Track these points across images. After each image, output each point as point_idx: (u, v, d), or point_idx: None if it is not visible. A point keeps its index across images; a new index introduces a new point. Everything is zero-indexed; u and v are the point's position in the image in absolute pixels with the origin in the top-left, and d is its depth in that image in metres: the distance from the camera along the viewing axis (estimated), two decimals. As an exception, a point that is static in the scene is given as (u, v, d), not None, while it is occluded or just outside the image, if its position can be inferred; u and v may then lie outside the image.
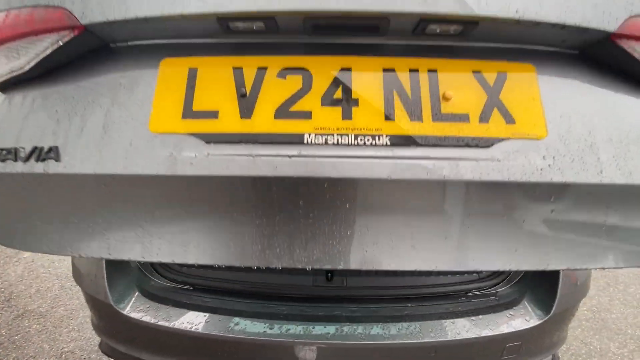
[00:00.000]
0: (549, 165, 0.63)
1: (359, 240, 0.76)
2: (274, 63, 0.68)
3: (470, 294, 1.19)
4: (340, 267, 0.77)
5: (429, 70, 0.67)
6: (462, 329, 1.04)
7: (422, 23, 0.64)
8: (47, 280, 2.37)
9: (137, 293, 1.14)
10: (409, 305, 1.14)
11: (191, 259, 0.74)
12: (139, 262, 1.22)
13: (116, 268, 1.15)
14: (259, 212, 0.72)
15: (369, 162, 0.64)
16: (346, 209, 0.72)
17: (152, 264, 1.22)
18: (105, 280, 1.10)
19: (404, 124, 0.65)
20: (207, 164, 0.64)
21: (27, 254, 2.65)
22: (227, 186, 0.68)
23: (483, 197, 0.68)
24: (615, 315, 2.07)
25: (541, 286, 1.14)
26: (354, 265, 0.77)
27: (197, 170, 0.64)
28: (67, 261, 2.58)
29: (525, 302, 1.12)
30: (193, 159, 0.64)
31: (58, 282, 2.34)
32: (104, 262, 1.12)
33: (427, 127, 0.65)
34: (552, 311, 1.07)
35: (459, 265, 0.75)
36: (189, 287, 1.20)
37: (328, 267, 0.78)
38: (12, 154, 0.66)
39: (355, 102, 0.66)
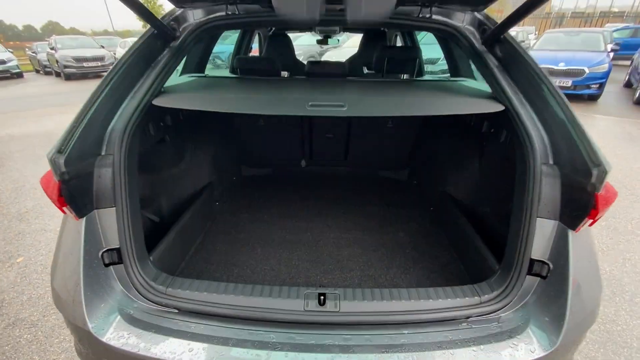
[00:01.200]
0: None
1: None
2: None
3: (470, 319, 1.12)
4: None
5: None
6: None
7: None
8: (39, 287, 2.33)
9: (118, 318, 1.08)
10: (406, 332, 1.07)
11: None
12: (122, 285, 1.16)
13: (96, 292, 1.09)
14: None
15: None
16: None
17: (135, 286, 1.16)
18: (84, 305, 1.04)
19: None
20: None
21: (20, 259, 2.61)
22: None
23: None
24: (620, 327, 2.01)
25: (548, 313, 1.07)
26: None
27: None
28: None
29: (530, 331, 1.05)
30: None
31: (51, 290, 2.30)
32: (82, 286, 1.06)
33: None
34: (559, 341, 1.00)
35: None
36: (174, 310, 1.15)
37: None
38: None
39: None
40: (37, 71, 16.55)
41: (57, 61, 13.26)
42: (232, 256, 1.87)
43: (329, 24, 1.50)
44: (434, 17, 1.48)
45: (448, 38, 1.50)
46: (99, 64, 13.57)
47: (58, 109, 8.14)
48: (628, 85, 9.67)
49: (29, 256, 2.65)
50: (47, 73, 15.38)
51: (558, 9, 32.47)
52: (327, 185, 2.85)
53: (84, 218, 1.10)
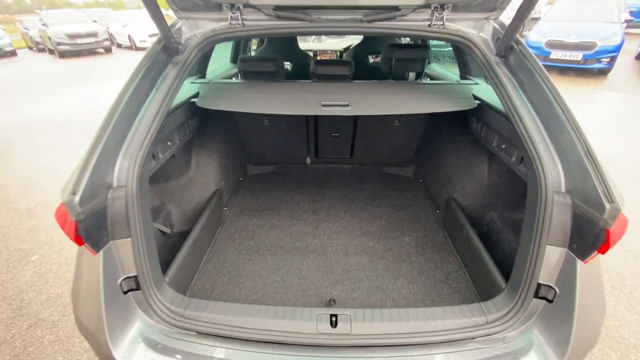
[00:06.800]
0: None
1: None
2: None
3: (477, 339, 1.17)
4: None
5: None
6: None
7: None
8: (56, 286, 2.41)
9: (140, 344, 1.13)
10: (415, 354, 1.12)
11: None
12: (142, 310, 1.20)
13: (118, 319, 1.13)
14: None
15: None
16: None
17: (154, 310, 1.20)
18: (107, 334, 1.09)
19: None
20: None
21: (34, 257, 2.69)
22: None
23: None
24: (618, 322, 2.08)
25: (552, 336, 1.11)
26: None
27: None
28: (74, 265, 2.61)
29: (534, 352, 1.10)
30: None
31: (67, 288, 2.38)
32: (103, 314, 1.09)
33: None
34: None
35: None
36: (193, 333, 1.20)
37: None
38: None
39: None
40: (30, 48, 16.08)
41: (49, 38, 12.87)
42: (242, 266, 1.92)
43: (336, 32, 1.48)
44: (447, 24, 1.42)
45: (461, 48, 1.45)
46: (93, 40, 13.18)
47: (55, 90, 8.00)
48: (640, 57, 9.35)
49: (43, 254, 2.72)
50: (41, 50, 14.96)
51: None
52: (333, 183, 2.88)
53: (101, 250, 1.12)
